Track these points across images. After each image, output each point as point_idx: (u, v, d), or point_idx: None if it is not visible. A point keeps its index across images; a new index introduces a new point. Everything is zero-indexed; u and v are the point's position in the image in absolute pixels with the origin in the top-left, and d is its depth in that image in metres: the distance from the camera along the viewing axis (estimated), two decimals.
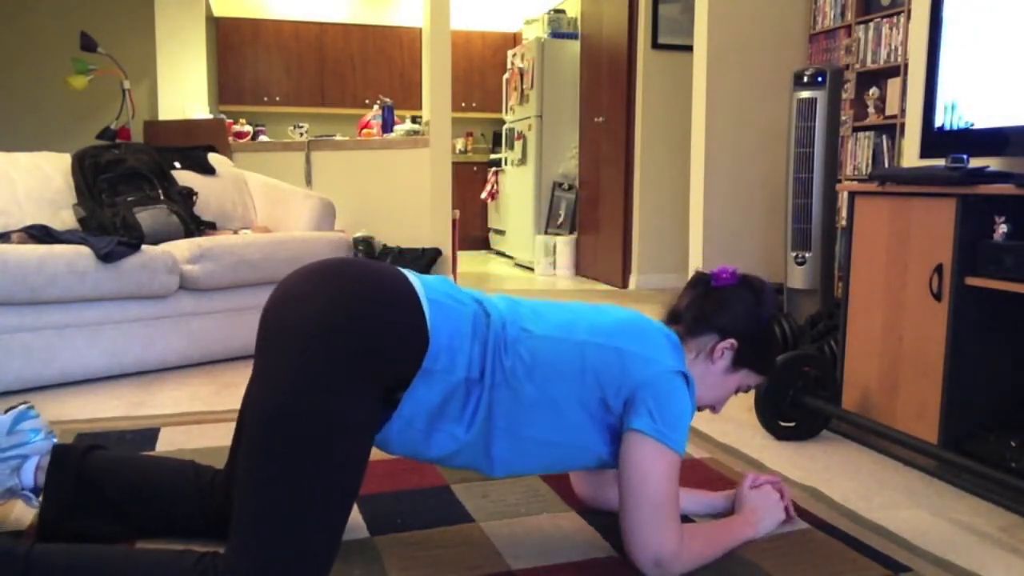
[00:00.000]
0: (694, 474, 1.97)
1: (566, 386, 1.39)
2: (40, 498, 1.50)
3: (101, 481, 1.48)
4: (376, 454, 2.04)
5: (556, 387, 1.39)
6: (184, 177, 3.60)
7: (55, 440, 1.55)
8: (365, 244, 4.90)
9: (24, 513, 1.65)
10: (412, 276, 1.40)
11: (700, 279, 1.61)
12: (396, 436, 1.37)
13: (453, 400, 1.36)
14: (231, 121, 5.41)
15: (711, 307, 1.55)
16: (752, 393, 2.39)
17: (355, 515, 1.68)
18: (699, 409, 1.57)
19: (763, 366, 1.61)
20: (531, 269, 6.95)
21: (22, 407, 1.57)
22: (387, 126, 5.40)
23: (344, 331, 1.27)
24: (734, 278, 1.57)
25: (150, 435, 2.23)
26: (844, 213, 3.77)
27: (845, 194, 3.72)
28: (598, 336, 1.43)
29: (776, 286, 3.93)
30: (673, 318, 1.59)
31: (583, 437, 1.43)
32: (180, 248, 3.04)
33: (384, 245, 5.04)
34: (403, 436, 1.37)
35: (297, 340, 1.26)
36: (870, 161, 4.14)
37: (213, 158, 3.89)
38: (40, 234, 2.89)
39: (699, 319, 1.55)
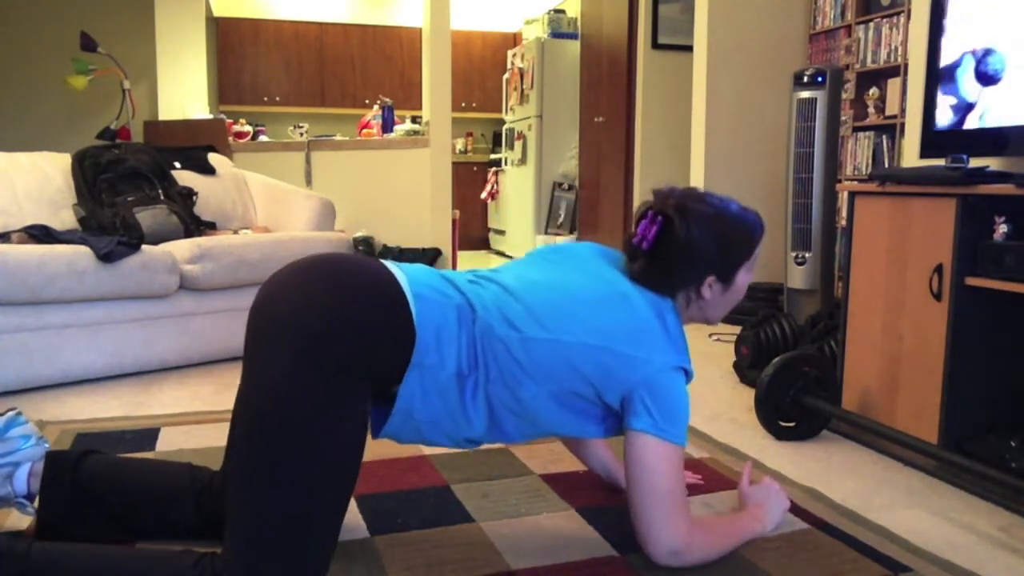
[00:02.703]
0: (695, 473, 1.97)
1: (561, 384, 1.39)
2: (35, 505, 1.48)
3: (97, 488, 1.46)
4: (376, 454, 2.06)
5: (551, 385, 1.39)
6: (184, 177, 3.60)
7: (47, 446, 1.53)
8: (365, 244, 4.91)
9: (20, 518, 1.63)
10: (395, 268, 1.39)
11: (631, 252, 1.48)
12: (400, 427, 1.38)
13: (448, 392, 1.36)
14: (231, 121, 5.40)
15: (664, 273, 1.46)
16: (752, 393, 2.39)
17: (355, 515, 1.68)
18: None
19: (747, 252, 1.51)
20: None
21: (10, 413, 1.54)
22: (387, 126, 5.40)
23: (329, 332, 1.26)
24: (654, 224, 1.44)
25: (150, 435, 2.23)
26: (844, 213, 3.77)
27: (845, 194, 3.72)
28: (591, 337, 1.39)
29: (776, 286, 3.94)
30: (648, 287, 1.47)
31: (578, 421, 1.45)
32: (180, 248, 3.04)
33: (384, 245, 5.04)
34: (406, 427, 1.38)
35: (282, 342, 1.26)
36: (870, 161, 4.14)
37: (213, 158, 3.89)
38: (40, 234, 2.89)
39: (664, 286, 1.47)
